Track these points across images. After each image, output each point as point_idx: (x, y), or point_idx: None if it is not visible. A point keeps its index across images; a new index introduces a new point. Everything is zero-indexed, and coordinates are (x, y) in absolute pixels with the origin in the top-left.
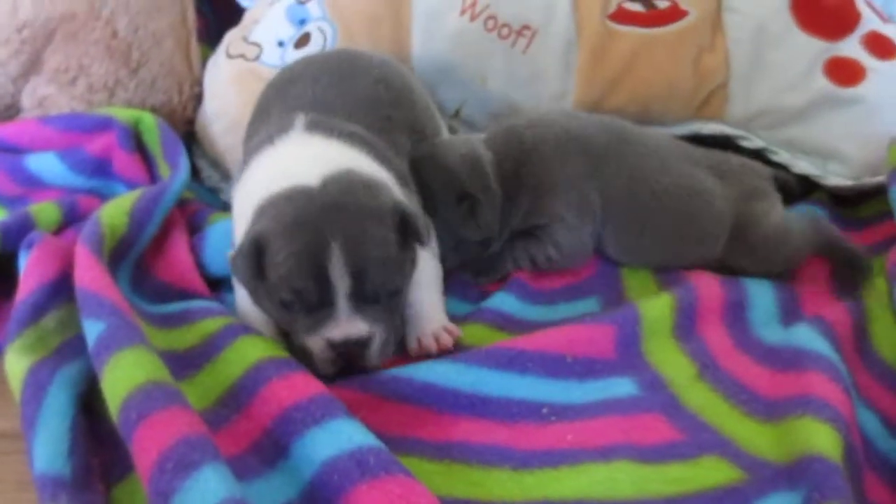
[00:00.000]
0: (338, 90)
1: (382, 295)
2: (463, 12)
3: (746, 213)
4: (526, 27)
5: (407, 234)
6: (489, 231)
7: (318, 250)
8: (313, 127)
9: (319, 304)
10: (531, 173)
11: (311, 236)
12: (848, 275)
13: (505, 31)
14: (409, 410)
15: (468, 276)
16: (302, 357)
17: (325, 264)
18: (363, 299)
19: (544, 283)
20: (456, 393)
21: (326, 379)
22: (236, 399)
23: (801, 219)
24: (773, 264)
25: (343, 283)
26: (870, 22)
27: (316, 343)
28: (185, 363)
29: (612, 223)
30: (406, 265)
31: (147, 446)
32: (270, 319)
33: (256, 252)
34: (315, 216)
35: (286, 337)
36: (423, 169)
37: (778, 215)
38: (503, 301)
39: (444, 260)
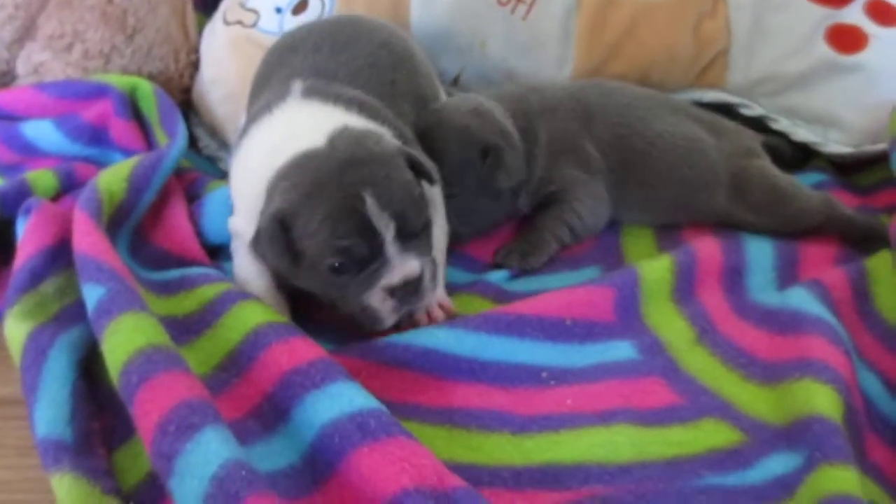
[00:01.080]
0: (339, 56)
1: (420, 229)
2: None
3: (745, 167)
4: None
5: (417, 173)
6: (521, 173)
7: (354, 203)
8: (310, 93)
9: (370, 256)
10: (542, 132)
11: (342, 193)
12: (867, 247)
13: None
14: (409, 376)
15: (514, 262)
16: (362, 317)
17: (366, 214)
18: (405, 238)
19: None
20: (455, 358)
21: (329, 344)
22: (236, 364)
23: (811, 188)
24: (776, 222)
25: (387, 228)
26: None
27: (374, 297)
28: (184, 329)
29: (611, 179)
30: (425, 200)
31: (148, 409)
32: (272, 288)
33: (283, 230)
34: (336, 173)
35: (295, 303)
36: (435, 136)
37: (776, 174)
38: (503, 275)
39: (458, 235)
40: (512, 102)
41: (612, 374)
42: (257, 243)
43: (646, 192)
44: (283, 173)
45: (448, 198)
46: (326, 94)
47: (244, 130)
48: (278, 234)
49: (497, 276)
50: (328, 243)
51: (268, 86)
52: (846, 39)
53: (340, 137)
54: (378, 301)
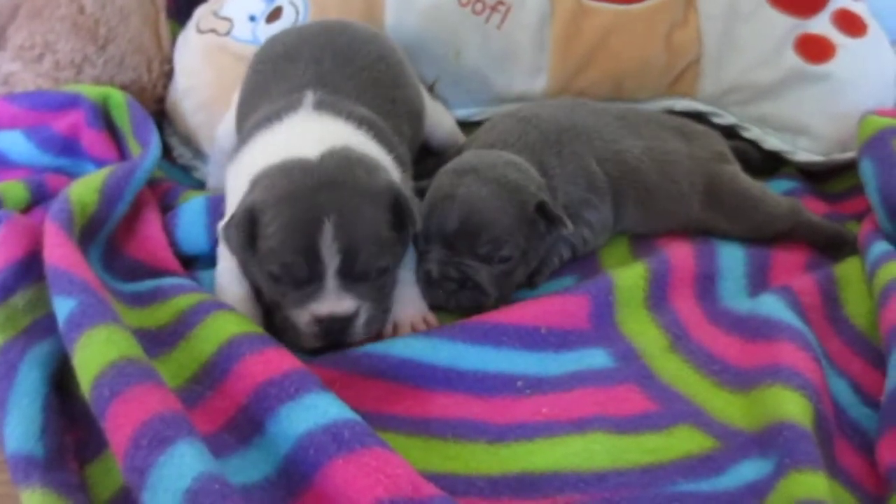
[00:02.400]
0: (344, 69)
1: (371, 273)
2: None
3: (718, 173)
4: (500, 2)
5: (400, 215)
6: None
7: (309, 226)
8: (322, 106)
9: (308, 279)
10: (553, 164)
11: (304, 211)
12: (833, 253)
13: (479, 6)
14: (385, 386)
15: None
16: (287, 330)
17: (317, 240)
18: (352, 277)
19: None
20: (432, 368)
21: (305, 355)
22: (210, 376)
23: (779, 194)
24: (746, 227)
25: (333, 261)
26: None
27: (302, 317)
28: (158, 341)
29: (613, 195)
30: (397, 246)
31: (121, 423)
32: (248, 297)
33: (249, 222)
34: (309, 190)
35: (267, 313)
36: (477, 197)
37: (746, 180)
38: None
39: (482, 305)
40: (517, 142)
41: (587, 381)
42: (227, 227)
43: (640, 206)
44: (267, 172)
45: (502, 262)
46: (339, 110)
47: (244, 139)
48: (245, 224)
49: None
50: (274, 251)
51: (267, 96)
52: (814, 49)
53: (333, 156)
54: (303, 323)
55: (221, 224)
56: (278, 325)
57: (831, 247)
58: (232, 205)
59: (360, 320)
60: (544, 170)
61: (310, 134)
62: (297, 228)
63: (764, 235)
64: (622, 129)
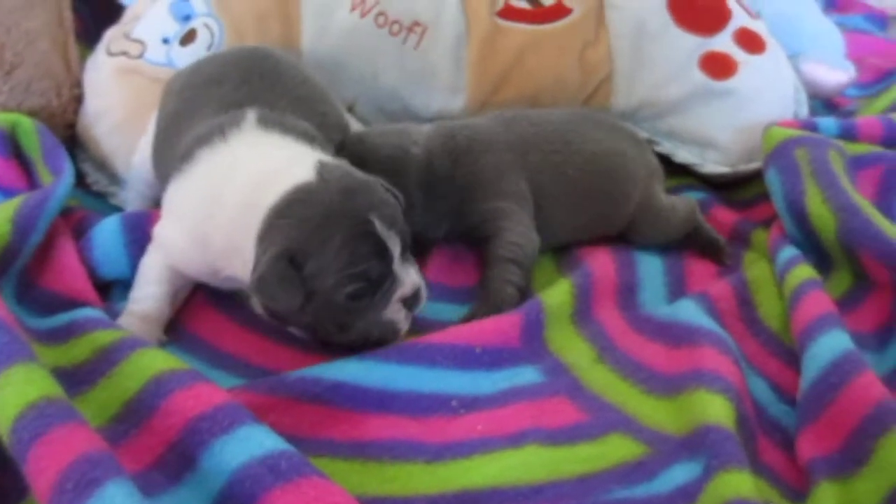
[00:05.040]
0: (274, 88)
1: (409, 243)
2: (353, 8)
3: (651, 184)
4: (416, 24)
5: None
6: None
7: (365, 227)
8: (265, 122)
9: (384, 275)
10: (467, 172)
11: (352, 220)
12: (711, 254)
13: (396, 27)
14: (320, 410)
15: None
16: (370, 337)
17: (379, 237)
18: (402, 254)
19: (461, 281)
20: (365, 390)
21: (239, 380)
22: (135, 414)
23: (682, 199)
24: (664, 237)
25: (395, 246)
26: (740, 18)
27: (393, 309)
28: (75, 380)
29: (547, 209)
30: None
31: (44, 466)
32: (166, 297)
33: (294, 268)
34: (340, 203)
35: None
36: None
37: (664, 191)
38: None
39: None
40: (440, 145)
41: (520, 396)
42: (263, 287)
43: (578, 215)
44: (280, 210)
45: None
46: (284, 126)
47: (186, 155)
48: (290, 273)
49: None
50: (346, 272)
51: (197, 117)
52: (718, 66)
53: (326, 169)
54: (395, 313)
55: (157, 228)
56: (351, 343)
57: (708, 251)
58: (186, 228)
59: (423, 284)
60: (445, 174)
61: (277, 156)
62: (356, 236)
63: (672, 239)
64: (568, 136)
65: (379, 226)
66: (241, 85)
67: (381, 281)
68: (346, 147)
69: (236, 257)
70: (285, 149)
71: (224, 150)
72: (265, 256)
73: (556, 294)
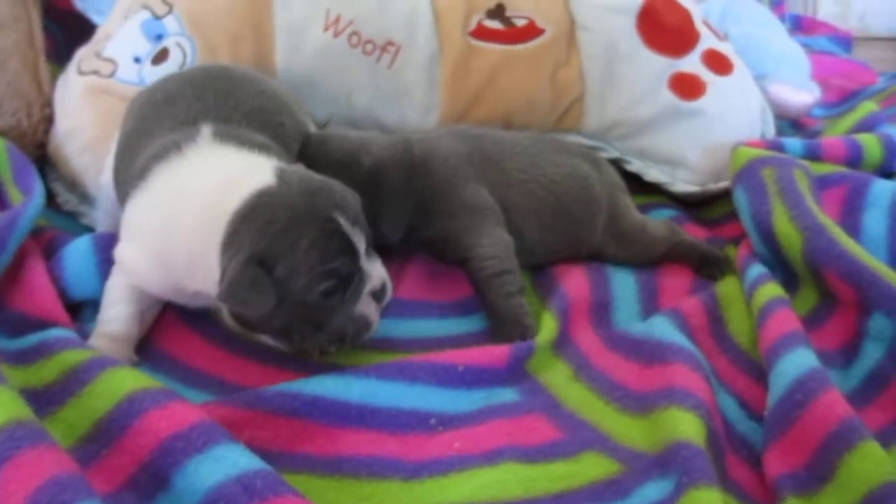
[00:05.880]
0: (228, 102)
1: (371, 239)
2: (326, 28)
3: (617, 201)
4: (390, 43)
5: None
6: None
7: (332, 226)
8: (222, 136)
9: (353, 271)
10: (422, 185)
11: (317, 218)
12: (709, 271)
13: (369, 47)
14: (298, 425)
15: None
16: (345, 335)
17: (344, 232)
18: (366, 248)
19: (432, 296)
20: (344, 405)
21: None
22: (107, 433)
23: (656, 220)
24: (636, 254)
25: (360, 241)
26: (708, 40)
27: (364, 304)
28: (44, 400)
29: (521, 226)
30: None
31: (13, 489)
32: (134, 317)
33: (264, 273)
34: (304, 203)
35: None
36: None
37: (634, 208)
38: (391, 327)
39: None
40: (394, 157)
41: (497, 414)
42: (234, 293)
43: (544, 234)
44: (244, 215)
45: None
46: (239, 139)
47: (143, 172)
48: (261, 276)
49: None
50: (316, 271)
51: (152, 135)
52: (687, 87)
53: (285, 174)
54: (366, 307)
55: (118, 249)
56: (326, 342)
57: (705, 264)
58: (146, 248)
59: (388, 277)
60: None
61: (235, 165)
62: (323, 234)
63: (649, 259)
64: (531, 158)
65: (344, 223)
66: (196, 101)
67: (351, 277)
68: (305, 147)
69: (200, 270)
70: (243, 159)
71: (181, 164)
72: (233, 263)
73: (544, 332)
